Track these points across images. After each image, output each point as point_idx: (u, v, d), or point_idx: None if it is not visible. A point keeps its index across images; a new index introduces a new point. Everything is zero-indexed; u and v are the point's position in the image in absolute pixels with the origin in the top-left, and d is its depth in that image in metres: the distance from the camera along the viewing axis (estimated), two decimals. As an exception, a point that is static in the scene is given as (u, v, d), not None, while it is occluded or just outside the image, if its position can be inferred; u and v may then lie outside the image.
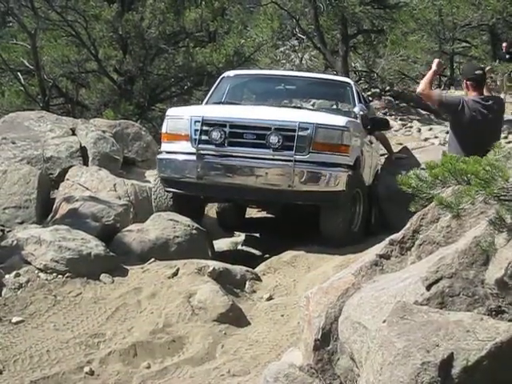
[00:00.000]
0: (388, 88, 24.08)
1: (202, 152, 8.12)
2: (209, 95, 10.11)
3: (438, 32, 25.41)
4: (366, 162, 9.44)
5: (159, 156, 8.62)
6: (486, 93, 7.50)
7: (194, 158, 8.13)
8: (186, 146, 8.21)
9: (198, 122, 8.14)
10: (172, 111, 8.87)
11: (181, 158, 8.29)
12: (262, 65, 22.88)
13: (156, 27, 18.63)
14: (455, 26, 25.15)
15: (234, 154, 8.15)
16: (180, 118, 8.49)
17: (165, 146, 8.57)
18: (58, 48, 19.00)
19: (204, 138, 8.11)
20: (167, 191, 8.56)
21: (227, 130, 8.10)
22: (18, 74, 19.27)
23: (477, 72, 7.44)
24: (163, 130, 8.63)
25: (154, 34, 18.66)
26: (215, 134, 8.06)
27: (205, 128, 8.12)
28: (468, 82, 7.38)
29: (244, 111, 8.82)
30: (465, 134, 7.19)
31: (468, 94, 7.40)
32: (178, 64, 19.48)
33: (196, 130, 8.14)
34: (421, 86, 7.40)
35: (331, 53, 22.94)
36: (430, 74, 7.48)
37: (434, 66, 7.57)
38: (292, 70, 22.99)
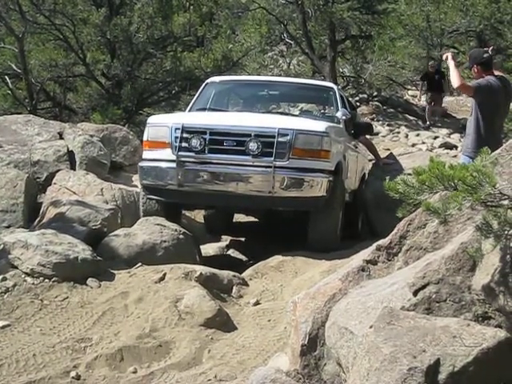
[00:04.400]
0: (376, 93, 24.17)
1: (182, 159, 8.09)
2: (192, 102, 10.11)
3: (425, 38, 25.49)
4: (350, 166, 9.43)
5: (141, 164, 8.58)
6: (496, 72, 7.76)
7: (174, 165, 8.12)
8: (167, 154, 8.18)
9: (178, 129, 8.11)
10: (153, 119, 8.86)
11: (162, 165, 8.26)
12: (249, 70, 22.89)
13: (144, 31, 18.69)
14: (443, 31, 25.23)
15: (214, 161, 8.10)
16: (160, 125, 8.44)
17: (146, 154, 8.54)
18: (46, 52, 18.99)
19: (184, 145, 8.07)
20: (149, 199, 8.55)
21: (207, 137, 8.06)
22: (6, 77, 19.25)
23: (485, 55, 7.64)
24: (144, 137, 8.59)
25: (142, 39, 18.71)
26: (195, 142, 8.02)
27: (185, 135, 8.09)
28: (479, 67, 7.57)
29: (224, 118, 8.80)
30: (493, 115, 7.46)
31: (478, 78, 7.60)
32: (166, 68, 19.52)
33: (176, 138, 8.10)
34: (456, 81, 7.40)
35: (319, 58, 23.01)
36: (454, 68, 7.52)
37: (450, 60, 7.63)
38: (280, 75, 23.02)
